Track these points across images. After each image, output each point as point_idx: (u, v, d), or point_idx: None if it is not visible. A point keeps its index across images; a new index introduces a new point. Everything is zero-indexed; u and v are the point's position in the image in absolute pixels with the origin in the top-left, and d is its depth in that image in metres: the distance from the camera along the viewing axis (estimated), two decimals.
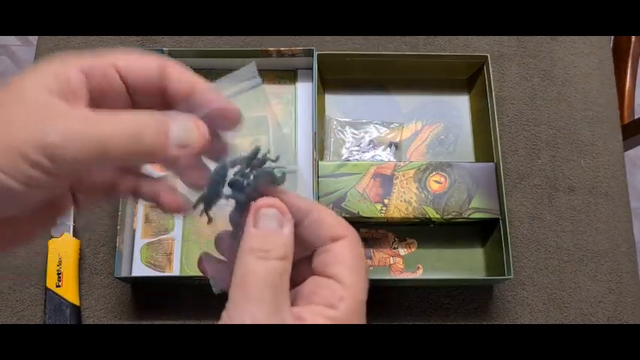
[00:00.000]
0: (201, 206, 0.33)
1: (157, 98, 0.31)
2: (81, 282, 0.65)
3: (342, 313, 0.30)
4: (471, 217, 0.65)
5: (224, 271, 0.31)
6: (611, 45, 0.90)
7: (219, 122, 0.34)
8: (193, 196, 0.33)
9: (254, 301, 0.28)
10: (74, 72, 0.28)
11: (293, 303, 0.30)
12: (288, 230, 0.30)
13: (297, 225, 0.31)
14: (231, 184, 0.32)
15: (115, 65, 0.29)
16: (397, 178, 0.66)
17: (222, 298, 0.30)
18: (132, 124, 0.28)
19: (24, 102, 0.27)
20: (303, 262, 0.32)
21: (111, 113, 0.28)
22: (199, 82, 0.32)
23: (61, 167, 0.26)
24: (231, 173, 0.33)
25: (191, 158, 0.31)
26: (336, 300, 0.30)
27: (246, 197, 0.31)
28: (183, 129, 0.29)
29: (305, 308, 0.29)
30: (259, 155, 0.33)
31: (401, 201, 0.65)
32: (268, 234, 0.29)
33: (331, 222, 0.32)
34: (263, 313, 0.27)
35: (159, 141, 0.28)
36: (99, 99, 0.29)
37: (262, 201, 0.31)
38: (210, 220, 0.33)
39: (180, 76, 0.31)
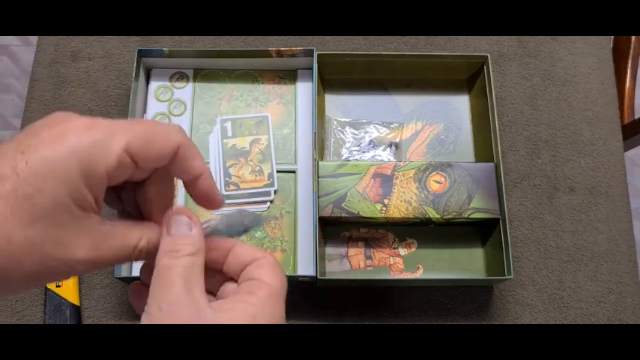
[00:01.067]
0: None
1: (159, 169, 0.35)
2: (81, 282, 0.65)
3: (259, 299, 0.33)
4: (471, 217, 0.65)
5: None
6: (611, 45, 0.90)
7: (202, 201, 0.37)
8: None
9: (167, 288, 0.31)
10: (101, 173, 0.30)
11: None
12: (196, 231, 0.34)
13: (224, 255, 0.36)
14: (229, 225, 0.38)
15: (128, 150, 0.31)
16: (397, 178, 0.66)
17: None
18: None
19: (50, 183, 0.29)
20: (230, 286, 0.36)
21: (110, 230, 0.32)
22: (204, 173, 0.35)
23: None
24: None
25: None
26: (254, 289, 0.33)
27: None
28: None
29: (224, 300, 0.33)
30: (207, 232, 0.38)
31: (401, 201, 0.65)
32: (179, 237, 0.34)
33: (250, 248, 0.36)
34: (175, 295, 0.31)
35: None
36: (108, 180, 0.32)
37: (173, 211, 0.35)
38: None
39: (190, 163, 0.34)
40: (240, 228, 0.38)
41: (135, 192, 0.36)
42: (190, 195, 0.36)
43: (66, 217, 0.29)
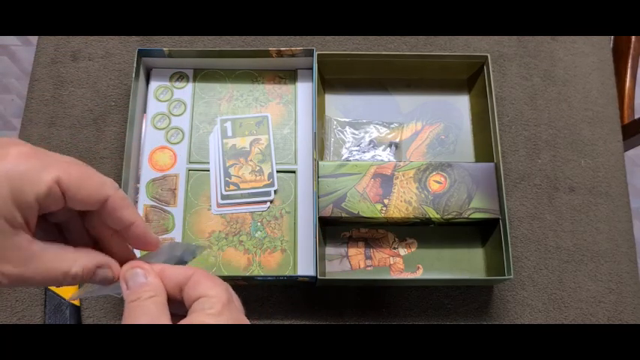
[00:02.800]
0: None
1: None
2: (81, 282, 0.65)
3: (218, 310, 0.35)
4: (471, 217, 0.65)
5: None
6: (611, 45, 0.90)
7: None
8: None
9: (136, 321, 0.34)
10: (31, 198, 0.32)
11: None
12: (151, 278, 0.37)
13: (181, 288, 0.37)
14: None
15: (59, 184, 0.33)
16: (397, 178, 0.66)
17: None
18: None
19: None
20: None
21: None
22: (135, 222, 0.37)
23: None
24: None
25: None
26: (207, 305, 0.35)
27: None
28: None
29: (187, 318, 0.35)
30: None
31: (401, 201, 0.65)
32: (137, 286, 0.36)
33: (178, 268, 0.38)
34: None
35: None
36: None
37: (125, 266, 0.37)
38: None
39: (119, 215, 0.36)
40: (173, 261, 0.40)
41: (83, 220, 0.38)
42: (126, 240, 0.38)
43: None
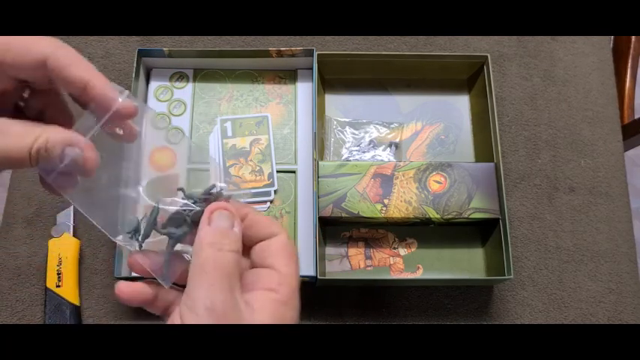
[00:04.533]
0: (131, 237, 0.37)
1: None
2: (81, 282, 0.65)
3: (283, 295, 0.34)
4: (471, 217, 0.65)
5: (163, 266, 0.36)
6: (611, 45, 0.90)
7: (121, 117, 0.36)
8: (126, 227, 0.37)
9: (212, 285, 0.32)
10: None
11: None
12: (238, 229, 0.35)
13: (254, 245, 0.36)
14: (170, 219, 0.36)
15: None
16: (397, 178, 0.66)
17: None
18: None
19: None
20: (243, 256, 0.36)
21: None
22: (90, 80, 0.33)
23: None
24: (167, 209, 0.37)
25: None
26: (275, 285, 0.34)
27: (181, 233, 0.36)
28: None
29: (250, 294, 0.34)
30: (214, 191, 0.37)
31: (401, 201, 0.65)
32: (222, 231, 0.34)
33: (266, 222, 0.36)
34: (220, 295, 0.32)
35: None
36: None
37: (215, 205, 0.35)
38: (140, 247, 0.37)
39: (65, 74, 0.32)
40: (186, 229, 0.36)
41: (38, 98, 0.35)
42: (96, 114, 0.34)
43: None
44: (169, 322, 0.33)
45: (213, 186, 0.37)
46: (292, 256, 0.36)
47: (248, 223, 0.36)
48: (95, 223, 0.35)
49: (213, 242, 0.33)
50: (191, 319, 0.31)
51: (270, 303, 0.33)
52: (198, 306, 0.31)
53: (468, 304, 0.66)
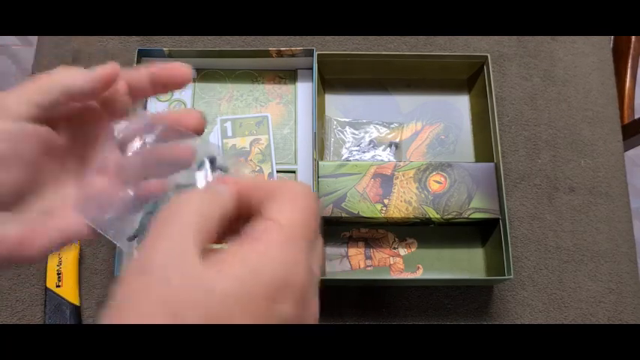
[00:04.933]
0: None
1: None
2: (81, 282, 0.65)
3: (266, 244, 0.25)
4: (471, 217, 0.65)
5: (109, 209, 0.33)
6: (611, 45, 0.90)
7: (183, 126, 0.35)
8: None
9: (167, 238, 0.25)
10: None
11: None
12: (227, 195, 0.28)
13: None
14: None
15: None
16: (397, 178, 0.66)
17: None
18: None
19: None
20: None
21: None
22: (113, 73, 0.34)
23: None
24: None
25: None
26: (261, 232, 0.26)
27: None
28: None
29: (226, 251, 0.26)
30: (216, 164, 0.34)
31: (401, 201, 0.65)
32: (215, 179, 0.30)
33: (263, 182, 0.31)
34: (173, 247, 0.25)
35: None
36: None
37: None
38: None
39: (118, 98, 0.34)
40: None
41: None
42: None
43: None
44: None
45: (214, 158, 0.34)
46: (297, 202, 0.27)
47: (242, 190, 0.29)
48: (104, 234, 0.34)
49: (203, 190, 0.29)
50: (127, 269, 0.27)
51: (240, 257, 0.25)
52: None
53: (468, 304, 0.66)
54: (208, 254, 0.25)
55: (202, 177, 0.33)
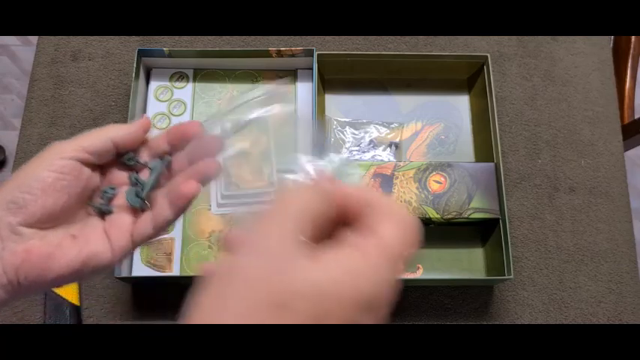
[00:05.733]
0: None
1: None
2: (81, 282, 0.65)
3: (365, 254, 0.26)
4: (471, 217, 0.65)
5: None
6: (611, 45, 0.90)
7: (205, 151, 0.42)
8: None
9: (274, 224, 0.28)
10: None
11: None
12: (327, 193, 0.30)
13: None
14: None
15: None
16: (397, 178, 0.66)
17: None
18: None
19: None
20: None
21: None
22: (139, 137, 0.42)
23: None
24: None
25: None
26: (360, 241, 0.27)
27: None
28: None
29: (326, 251, 0.27)
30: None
31: (401, 201, 0.65)
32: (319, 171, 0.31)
33: (361, 190, 0.30)
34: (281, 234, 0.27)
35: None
36: None
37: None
38: (144, 201, 0.41)
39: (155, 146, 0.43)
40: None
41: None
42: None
43: None
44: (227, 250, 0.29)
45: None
46: (398, 222, 0.27)
47: (340, 196, 0.30)
48: None
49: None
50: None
51: (343, 256, 0.26)
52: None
53: (468, 304, 0.66)
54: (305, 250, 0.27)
55: (306, 166, 0.35)
